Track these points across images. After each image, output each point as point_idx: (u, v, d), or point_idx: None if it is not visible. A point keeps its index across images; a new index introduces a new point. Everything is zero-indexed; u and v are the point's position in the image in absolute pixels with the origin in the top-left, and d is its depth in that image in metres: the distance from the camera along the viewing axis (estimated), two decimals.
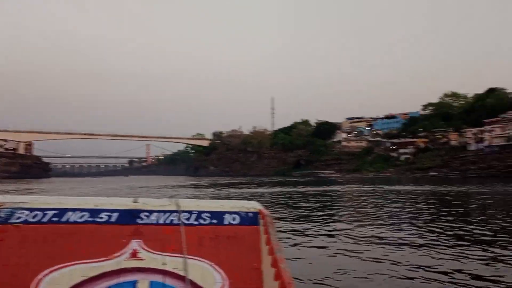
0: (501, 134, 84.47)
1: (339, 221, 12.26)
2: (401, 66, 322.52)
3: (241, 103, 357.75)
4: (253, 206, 2.31)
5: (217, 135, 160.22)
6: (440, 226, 10.78)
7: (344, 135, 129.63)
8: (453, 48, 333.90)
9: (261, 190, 31.05)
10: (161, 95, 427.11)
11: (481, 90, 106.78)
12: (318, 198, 22.10)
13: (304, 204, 17.84)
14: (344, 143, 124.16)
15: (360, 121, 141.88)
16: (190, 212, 2.18)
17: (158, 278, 1.91)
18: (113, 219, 2.02)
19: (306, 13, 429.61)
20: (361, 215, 13.75)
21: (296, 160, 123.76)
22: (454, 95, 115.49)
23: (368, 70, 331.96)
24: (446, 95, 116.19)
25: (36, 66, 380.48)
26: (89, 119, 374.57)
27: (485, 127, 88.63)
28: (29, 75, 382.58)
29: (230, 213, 2.24)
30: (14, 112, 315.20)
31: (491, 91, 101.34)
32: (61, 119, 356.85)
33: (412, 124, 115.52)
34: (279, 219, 12.42)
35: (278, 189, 31.45)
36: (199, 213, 2.19)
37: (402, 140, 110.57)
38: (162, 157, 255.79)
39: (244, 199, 2.60)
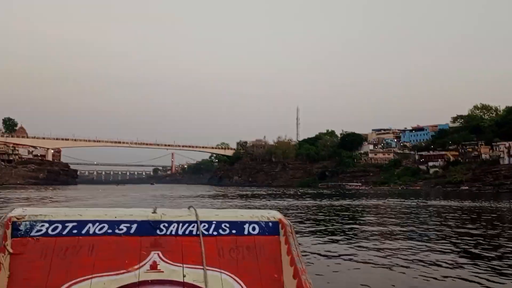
0: None
1: (367, 237, 11.10)
2: (430, 77, 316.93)
3: (265, 113, 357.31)
4: (273, 215, 2.27)
5: (241, 145, 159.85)
6: (476, 245, 9.64)
7: (371, 147, 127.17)
8: (484, 61, 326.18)
9: (290, 202, 29.93)
10: (186, 104, 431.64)
11: None
12: (347, 212, 20.85)
13: (333, 218, 16.67)
14: (371, 155, 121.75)
15: (387, 133, 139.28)
16: (209, 222, 2.15)
17: None
18: (132, 231, 2.02)
19: (331, 21, 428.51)
20: (393, 231, 12.52)
21: (322, 172, 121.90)
22: (484, 107, 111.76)
23: (394, 81, 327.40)
24: (476, 108, 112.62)
25: (64, 75, 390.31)
26: (115, 127, 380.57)
27: None
28: (58, 84, 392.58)
29: (250, 222, 2.21)
30: (44, 120, 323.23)
31: None
32: (89, 128, 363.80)
33: (441, 136, 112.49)
34: (309, 233, 11.34)
35: (306, 202, 30.26)
36: (218, 223, 2.16)
37: (431, 152, 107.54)
38: (186, 166, 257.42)
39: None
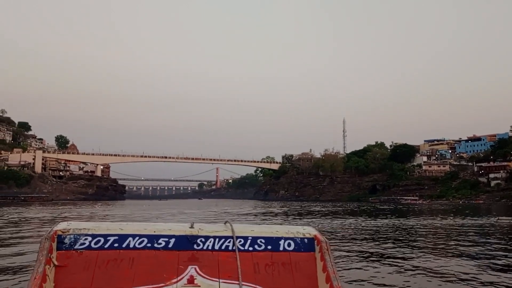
0: None
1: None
2: (485, 87, 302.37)
3: (310, 126, 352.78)
4: (308, 231, 2.31)
5: (287, 159, 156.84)
6: None
7: (424, 159, 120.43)
8: None
9: (345, 220, 26.76)
10: (229, 118, 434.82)
11: None
12: (413, 235, 17.49)
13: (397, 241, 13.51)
14: (424, 167, 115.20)
15: (441, 144, 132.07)
16: (245, 238, 2.20)
17: None
18: (170, 245, 2.11)
19: (382, 28, 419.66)
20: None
21: (372, 185, 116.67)
22: None
23: (445, 92, 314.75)
24: None
25: (113, 95, 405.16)
26: (161, 143, 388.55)
27: None
28: (106, 102, 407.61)
29: (285, 238, 2.23)
30: (94, 136, 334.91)
31: None
32: (136, 144, 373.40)
33: (501, 146, 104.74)
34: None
35: (365, 221, 26.96)
36: (254, 239, 2.21)
37: (492, 164, 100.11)
38: (231, 181, 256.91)
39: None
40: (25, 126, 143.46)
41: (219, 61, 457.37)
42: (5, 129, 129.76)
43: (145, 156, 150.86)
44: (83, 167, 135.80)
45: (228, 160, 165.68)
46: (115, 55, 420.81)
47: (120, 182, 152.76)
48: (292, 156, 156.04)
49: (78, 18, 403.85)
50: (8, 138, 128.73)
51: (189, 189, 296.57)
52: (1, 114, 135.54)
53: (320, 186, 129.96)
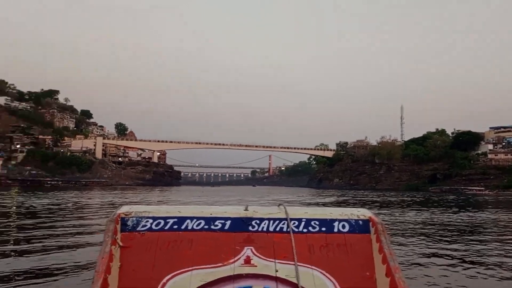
0: None
1: None
2: None
3: (366, 113, 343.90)
4: (363, 213, 2.32)
5: (342, 146, 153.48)
6: None
7: (490, 147, 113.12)
8: None
9: (406, 212, 25.01)
10: (283, 105, 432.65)
11: None
12: None
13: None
14: (490, 156, 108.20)
15: (509, 131, 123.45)
16: (299, 220, 2.23)
17: (271, 284, 2.00)
18: (227, 227, 2.16)
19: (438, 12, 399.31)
20: None
21: (432, 174, 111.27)
22: None
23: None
24: None
25: (168, 83, 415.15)
26: (214, 130, 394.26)
27: None
28: (164, 90, 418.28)
29: (340, 220, 2.25)
30: (150, 124, 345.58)
31: None
32: (191, 131, 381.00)
33: None
34: None
35: (430, 213, 25.08)
36: (308, 221, 2.23)
37: None
38: (284, 168, 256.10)
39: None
40: (87, 114, 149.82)
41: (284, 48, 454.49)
42: (69, 117, 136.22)
43: (200, 143, 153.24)
44: (140, 154, 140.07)
45: (281, 148, 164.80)
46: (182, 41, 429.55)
47: (175, 168, 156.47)
48: (346, 143, 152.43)
49: (146, 12, 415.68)
50: (71, 125, 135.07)
51: (242, 176, 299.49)
52: (65, 102, 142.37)
53: (376, 174, 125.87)
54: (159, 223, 2.13)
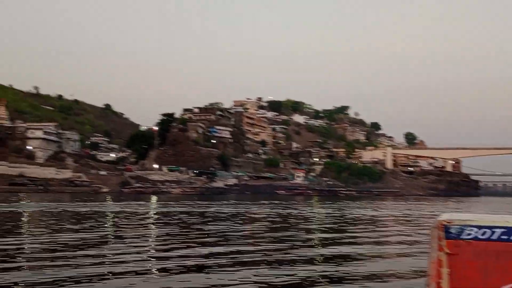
0: None
1: None
2: None
3: None
4: None
5: None
6: None
7: None
8: None
9: None
10: None
11: None
12: None
13: None
14: None
15: None
16: None
17: None
18: None
19: None
20: None
21: None
22: None
23: None
24: None
25: (457, 81, 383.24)
26: None
27: None
28: (448, 89, 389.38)
29: None
30: (442, 131, 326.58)
31: None
32: (488, 134, 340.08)
33: None
34: None
35: None
36: None
37: None
38: None
39: None
40: (376, 126, 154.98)
41: None
42: (359, 130, 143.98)
43: (499, 148, 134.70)
44: (432, 163, 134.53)
45: None
46: None
47: (472, 177, 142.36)
48: None
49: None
50: (362, 138, 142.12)
51: None
52: (355, 116, 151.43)
53: None
54: (485, 232, 2.03)
